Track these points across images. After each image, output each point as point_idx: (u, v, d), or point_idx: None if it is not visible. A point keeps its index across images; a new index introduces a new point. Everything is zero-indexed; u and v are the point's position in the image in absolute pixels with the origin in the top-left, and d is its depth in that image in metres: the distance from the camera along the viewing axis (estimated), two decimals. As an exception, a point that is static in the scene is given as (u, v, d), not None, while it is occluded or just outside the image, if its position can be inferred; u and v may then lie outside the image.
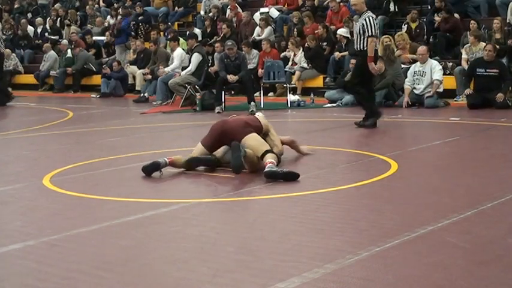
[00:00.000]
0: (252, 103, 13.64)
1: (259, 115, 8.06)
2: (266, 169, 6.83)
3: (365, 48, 10.41)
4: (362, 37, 10.45)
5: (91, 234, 5.13)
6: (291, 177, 6.78)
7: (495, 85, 12.67)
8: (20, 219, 5.71)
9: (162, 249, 4.75)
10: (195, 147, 7.63)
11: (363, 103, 10.95)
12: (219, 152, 7.53)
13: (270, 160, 6.98)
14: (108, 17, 22.43)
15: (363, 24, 10.43)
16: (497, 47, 13.54)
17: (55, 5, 24.33)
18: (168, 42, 17.50)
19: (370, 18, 10.45)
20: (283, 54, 16.97)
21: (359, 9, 10.68)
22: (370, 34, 10.35)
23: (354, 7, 10.99)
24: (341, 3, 17.64)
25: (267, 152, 7.16)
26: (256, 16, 18.79)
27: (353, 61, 14.20)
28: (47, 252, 4.74)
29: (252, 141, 7.30)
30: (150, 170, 7.21)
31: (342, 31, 16.23)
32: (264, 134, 7.71)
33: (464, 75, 13.50)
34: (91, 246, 4.83)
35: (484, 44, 13.55)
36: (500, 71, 12.77)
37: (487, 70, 12.81)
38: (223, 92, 14.07)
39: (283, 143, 7.95)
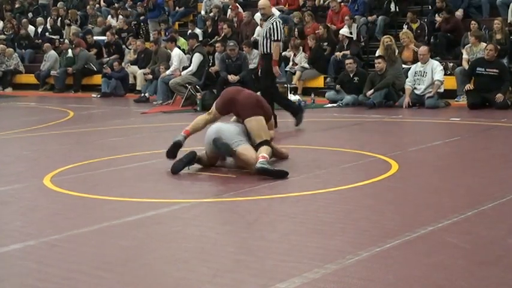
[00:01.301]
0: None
1: None
2: (258, 165, 6.86)
3: (269, 52, 10.57)
4: (268, 40, 10.58)
5: (91, 235, 5.13)
6: (281, 176, 6.83)
7: (495, 85, 12.66)
8: (20, 219, 5.71)
9: (162, 249, 4.74)
10: (212, 108, 7.80)
11: (282, 103, 11.07)
12: (207, 149, 7.53)
13: (262, 154, 7.01)
14: (109, 17, 22.43)
15: (270, 28, 10.57)
16: (498, 47, 13.56)
17: (58, 4, 24.33)
18: (166, 43, 17.51)
19: (277, 22, 10.62)
20: (283, 53, 16.94)
21: (266, 13, 10.88)
22: (275, 39, 10.53)
23: (262, 11, 11.07)
24: (342, 3, 17.65)
25: (264, 142, 7.17)
26: (257, 16, 18.77)
27: (348, 61, 14.28)
28: (47, 253, 4.74)
29: (255, 125, 7.36)
30: (174, 152, 7.43)
31: (344, 31, 16.24)
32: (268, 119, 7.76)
33: (464, 74, 13.52)
34: (91, 247, 4.83)
35: (484, 44, 13.55)
36: (500, 71, 12.77)
37: (487, 70, 12.80)
38: (223, 92, 14.04)
39: None
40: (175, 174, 7.25)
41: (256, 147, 7.22)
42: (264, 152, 7.07)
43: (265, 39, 10.61)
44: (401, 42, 15.02)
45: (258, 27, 18.01)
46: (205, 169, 7.51)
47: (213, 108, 7.79)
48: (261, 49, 10.75)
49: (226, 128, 7.42)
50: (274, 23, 10.55)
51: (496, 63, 12.91)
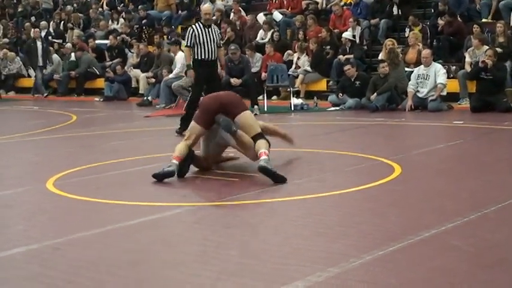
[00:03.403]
0: (256, 106, 13.66)
1: None
2: (261, 163, 6.85)
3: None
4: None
5: (94, 238, 5.13)
6: (280, 180, 6.79)
7: (496, 89, 12.71)
8: (23, 223, 5.71)
9: (165, 253, 4.74)
10: (189, 130, 7.53)
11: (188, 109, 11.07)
12: (202, 148, 7.54)
13: (264, 151, 7.01)
14: (110, 21, 22.44)
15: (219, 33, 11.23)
16: (501, 50, 13.57)
17: (66, 7, 24.38)
18: (170, 46, 17.53)
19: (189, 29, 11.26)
20: (285, 54, 16.93)
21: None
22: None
23: (208, 16, 11.33)
24: (344, 7, 17.66)
25: (259, 136, 7.18)
26: (260, 18, 18.80)
27: (346, 67, 14.31)
28: (50, 256, 4.74)
29: (249, 118, 7.40)
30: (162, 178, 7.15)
31: (347, 34, 16.25)
32: None
33: (466, 78, 13.54)
34: (94, 250, 4.84)
35: (487, 47, 13.55)
36: (500, 76, 12.79)
37: (488, 74, 12.81)
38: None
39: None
40: (180, 178, 7.25)
41: (252, 139, 7.20)
42: (264, 147, 7.07)
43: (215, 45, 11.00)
44: (408, 42, 15.03)
45: (261, 31, 18.05)
46: (208, 173, 7.51)
47: (195, 128, 7.42)
48: (212, 56, 10.99)
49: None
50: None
51: (497, 67, 12.88)
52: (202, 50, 10.84)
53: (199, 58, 10.89)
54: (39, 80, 19.98)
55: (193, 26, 11.16)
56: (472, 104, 12.88)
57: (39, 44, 20.03)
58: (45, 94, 19.85)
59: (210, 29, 10.96)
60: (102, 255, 4.71)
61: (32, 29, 21.29)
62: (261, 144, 7.11)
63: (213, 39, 10.91)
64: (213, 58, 10.95)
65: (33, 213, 6.08)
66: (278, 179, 6.80)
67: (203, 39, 10.82)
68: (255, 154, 7.18)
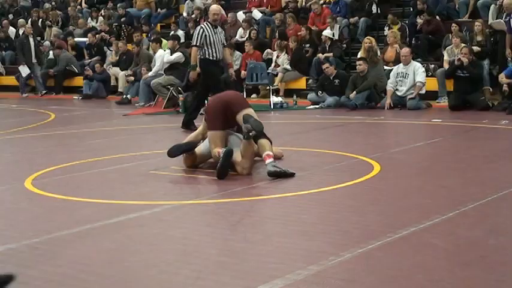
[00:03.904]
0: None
1: None
2: (270, 168, 6.88)
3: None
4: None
5: (73, 237, 5.11)
6: (290, 176, 6.93)
7: (474, 87, 12.81)
8: (1, 222, 5.67)
9: (144, 251, 4.73)
10: (211, 141, 7.50)
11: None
12: (200, 148, 7.55)
13: (267, 153, 7.03)
14: (89, 19, 22.32)
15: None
16: (479, 49, 13.65)
17: (44, 5, 24.22)
18: (150, 43, 17.48)
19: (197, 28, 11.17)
20: (265, 53, 16.92)
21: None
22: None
23: (216, 16, 11.33)
24: (323, 5, 17.68)
25: (261, 136, 7.21)
26: (239, 16, 18.79)
27: (325, 66, 14.35)
28: (29, 256, 4.70)
29: (253, 114, 7.38)
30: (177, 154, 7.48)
31: (327, 32, 16.26)
32: None
33: (443, 76, 13.63)
34: (73, 249, 4.81)
35: (463, 45, 13.64)
36: (476, 74, 12.87)
37: (464, 72, 12.89)
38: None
39: None
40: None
41: (254, 138, 7.21)
42: (267, 149, 7.10)
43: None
44: (387, 41, 15.08)
45: (241, 29, 18.04)
46: (188, 171, 7.50)
47: (212, 137, 7.49)
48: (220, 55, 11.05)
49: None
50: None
51: (473, 65, 12.97)
52: (212, 50, 10.82)
53: (210, 58, 10.85)
54: (38, 77, 19.66)
55: (202, 26, 11.06)
56: (451, 102, 12.96)
57: (31, 40, 19.77)
58: (44, 92, 19.56)
59: (217, 29, 10.97)
60: (81, 254, 4.69)
61: (26, 26, 21.00)
62: (264, 145, 7.13)
63: (221, 39, 10.94)
64: (221, 58, 11.01)
65: (11, 212, 6.04)
66: (288, 175, 6.93)
67: (213, 39, 10.80)
68: (250, 165, 7.23)
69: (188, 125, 10.96)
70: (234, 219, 5.55)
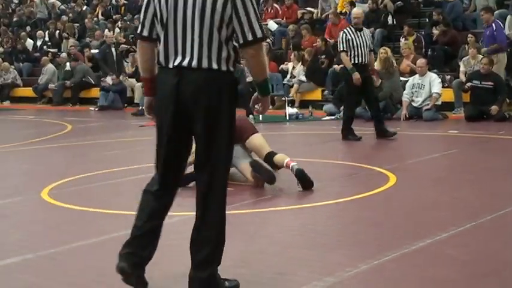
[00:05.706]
0: (251, 116, 13.64)
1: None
2: (297, 167, 6.92)
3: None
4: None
5: (90, 248, 5.13)
6: (309, 186, 6.93)
7: (490, 98, 12.75)
8: (18, 233, 5.70)
9: (160, 263, 4.73)
10: None
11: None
12: None
13: (289, 159, 7.07)
14: (106, 30, 22.44)
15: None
16: (494, 60, 13.62)
17: (61, 17, 24.38)
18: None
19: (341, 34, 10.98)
20: (281, 66, 16.97)
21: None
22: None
23: (357, 20, 11.11)
24: (341, 17, 17.69)
25: (272, 153, 7.24)
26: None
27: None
28: (46, 266, 4.73)
29: (258, 141, 7.44)
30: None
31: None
32: None
33: (459, 87, 13.59)
34: (90, 260, 4.83)
35: (481, 56, 13.59)
36: (495, 84, 12.82)
37: (482, 83, 12.86)
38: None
39: None
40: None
41: (268, 157, 7.24)
42: (287, 157, 7.13)
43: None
44: (402, 53, 15.06)
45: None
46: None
47: None
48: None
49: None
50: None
51: (491, 76, 12.94)
52: (356, 54, 10.70)
53: (354, 62, 10.70)
54: None
55: (345, 30, 11.00)
56: (467, 113, 12.92)
57: (113, 50, 19.57)
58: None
59: (362, 33, 10.86)
60: (97, 265, 4.71)
61: (107, 35, 20.72)
62: (282, 156, 7.17)
63: (365, 42, 10.78)
64: (366, 62, 10.82)
65: (28, 223, 6.07)
66: (309, 185, 6.91)
67: (356, 43, 10.71)
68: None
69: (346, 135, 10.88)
70: (250, 231, 5.55)
